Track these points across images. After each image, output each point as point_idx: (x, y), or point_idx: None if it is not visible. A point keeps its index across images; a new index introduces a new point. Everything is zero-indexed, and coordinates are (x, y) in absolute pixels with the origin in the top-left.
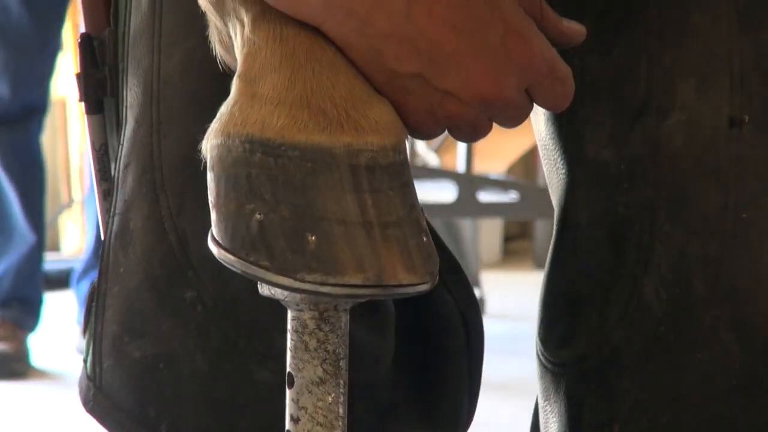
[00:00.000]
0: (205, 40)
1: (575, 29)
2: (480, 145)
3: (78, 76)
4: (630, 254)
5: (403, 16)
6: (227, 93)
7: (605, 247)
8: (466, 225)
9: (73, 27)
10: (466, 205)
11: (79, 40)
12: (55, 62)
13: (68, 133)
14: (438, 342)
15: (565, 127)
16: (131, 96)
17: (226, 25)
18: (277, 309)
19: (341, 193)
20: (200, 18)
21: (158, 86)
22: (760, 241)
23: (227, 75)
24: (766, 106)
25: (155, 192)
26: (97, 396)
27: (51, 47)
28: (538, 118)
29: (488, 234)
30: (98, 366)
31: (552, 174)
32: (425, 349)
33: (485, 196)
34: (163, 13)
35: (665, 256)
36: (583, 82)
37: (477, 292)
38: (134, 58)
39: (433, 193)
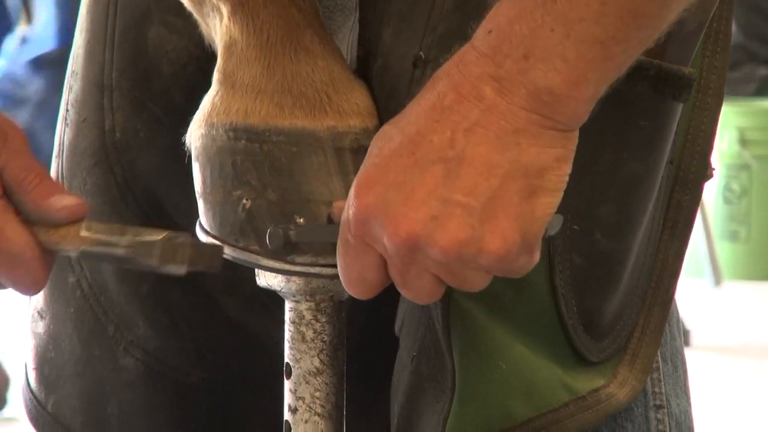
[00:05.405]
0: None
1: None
2: None
3: None
4: None
5: None
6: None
7: None
8: None
9: None
10: None
11: None
12: None
13: None
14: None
15: None
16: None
17: (205, 21)
18: (142, 299)
19: (327, 176)
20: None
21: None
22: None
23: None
24: (451, 44)
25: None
26: (24, 382)
27: None
28: None
29: None
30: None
31: None
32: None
33: None
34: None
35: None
36: None
37: None
38: None
39: None
